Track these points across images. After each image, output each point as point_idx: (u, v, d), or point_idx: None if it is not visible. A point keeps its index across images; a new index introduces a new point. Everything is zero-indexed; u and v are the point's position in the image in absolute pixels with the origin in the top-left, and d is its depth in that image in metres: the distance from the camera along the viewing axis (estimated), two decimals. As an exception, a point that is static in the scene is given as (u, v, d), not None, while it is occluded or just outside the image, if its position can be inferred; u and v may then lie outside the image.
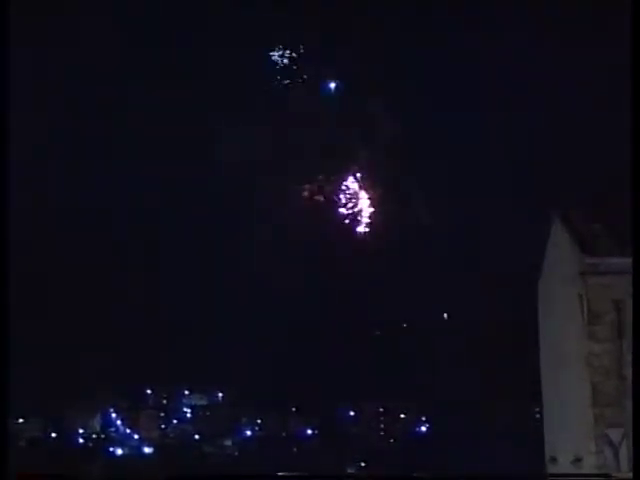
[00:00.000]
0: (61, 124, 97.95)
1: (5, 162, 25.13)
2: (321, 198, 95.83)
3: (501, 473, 55.85)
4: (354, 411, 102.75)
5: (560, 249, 41.74)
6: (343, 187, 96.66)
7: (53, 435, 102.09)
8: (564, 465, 40.90)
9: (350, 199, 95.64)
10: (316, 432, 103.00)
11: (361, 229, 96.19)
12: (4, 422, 24.33)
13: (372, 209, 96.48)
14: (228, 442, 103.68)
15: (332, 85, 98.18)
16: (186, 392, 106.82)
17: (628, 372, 35.12)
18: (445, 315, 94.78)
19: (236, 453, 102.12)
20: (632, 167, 30.93)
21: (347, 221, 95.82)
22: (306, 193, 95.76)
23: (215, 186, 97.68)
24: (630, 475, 29.83)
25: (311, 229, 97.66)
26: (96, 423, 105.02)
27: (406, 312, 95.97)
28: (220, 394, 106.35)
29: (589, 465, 37.63)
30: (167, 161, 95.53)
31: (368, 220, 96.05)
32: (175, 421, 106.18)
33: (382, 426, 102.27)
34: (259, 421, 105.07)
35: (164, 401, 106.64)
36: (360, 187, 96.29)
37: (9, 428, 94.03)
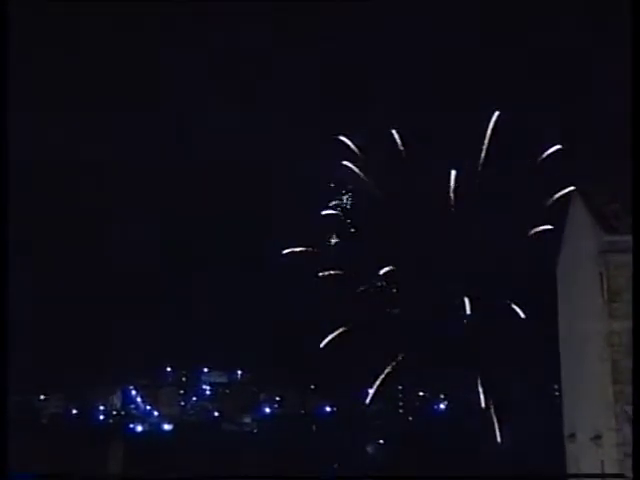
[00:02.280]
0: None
1: (5, 161, 25.29)
2: None
3: (509, 474, 56.24)
4: (372, 389, 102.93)
5: (580, 227, 41.70)
6: None
7: (74, 412, 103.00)
8: (583, 442, 41.02)
9: None
10: (335, 410, 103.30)
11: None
12: (4, 423, 24.60)
13: None
14: (247, 419, 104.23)
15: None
16: (205, 370, 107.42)
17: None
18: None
19: (255, 430, 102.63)
20: (632, 166, 30.82)
21: None
22: None
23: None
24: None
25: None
26: (116, 400, 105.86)
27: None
28: (239, 372, 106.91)
29: (608, 442, 37.72)
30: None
31: None
32: (194, 398, 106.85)
33: (400, 404, 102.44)
34: (278, 399, 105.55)
35: (184, 378, 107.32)
36: None
37: (31, 405, 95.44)
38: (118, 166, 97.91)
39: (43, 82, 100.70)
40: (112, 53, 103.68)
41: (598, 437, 38.81)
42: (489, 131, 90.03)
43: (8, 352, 24.82)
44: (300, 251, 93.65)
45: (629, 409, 36.38)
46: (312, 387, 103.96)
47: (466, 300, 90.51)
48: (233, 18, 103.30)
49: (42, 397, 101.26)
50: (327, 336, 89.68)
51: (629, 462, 35.78)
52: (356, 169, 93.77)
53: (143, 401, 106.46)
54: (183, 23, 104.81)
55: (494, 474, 58.23)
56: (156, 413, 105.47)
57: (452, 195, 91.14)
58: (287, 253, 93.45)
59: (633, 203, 31.41)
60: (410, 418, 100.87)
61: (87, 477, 55.95)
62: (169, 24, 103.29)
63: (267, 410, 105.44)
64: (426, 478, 46.01)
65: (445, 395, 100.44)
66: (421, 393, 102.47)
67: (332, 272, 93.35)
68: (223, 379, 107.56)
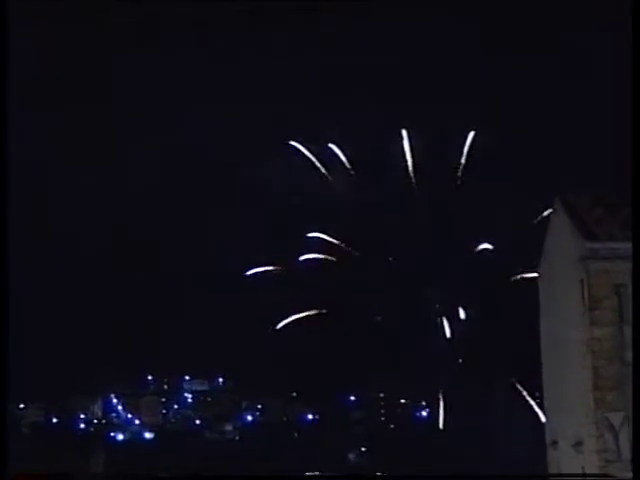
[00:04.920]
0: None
1: (5, 162, 25.10)
2: None
3: (501, 473, 56.13)
4: (355, 396, 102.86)
5: (561, 234, 41.76)
6: None
7: (54, 420, 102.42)
8: (565, 449, 41.04)
9: None
10: (317, 417, 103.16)
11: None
12: (4, 424, 24.46)
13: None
14: (229, 427, 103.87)
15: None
16: (187, 377, 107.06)
17: (629, 356, 35.25)
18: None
19: (237, 438, 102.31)
20: (632, 166, 30.94)
21: None
22: None
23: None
24: (630, 475, 30.08)
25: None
26: (97, 408, 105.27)
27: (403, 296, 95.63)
28: (221, 379, 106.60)
29: (589, 449, 37.75)
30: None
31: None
32: (176, 406, 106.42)
33: (383, 411, 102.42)
34: (260, 406, 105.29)
35: (165, 386, 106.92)
36: None
37: (10, 413, 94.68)
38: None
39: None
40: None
41: (579, 444, 38.83)
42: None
43: (8, 354, 24.59)
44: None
45: (610, 416, 36.46)
46: (294, 394, 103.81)
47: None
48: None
49: (21, 406, 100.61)
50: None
51: (610, 469, 35.87)
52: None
53: (124, 409, 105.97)
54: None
55: (493, 474, 58.01)
56: (137, 421, 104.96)
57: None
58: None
59: (633, 209, 31.45)
60: (392, 425, 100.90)
61: (86, 477, 55.66)
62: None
63: (249, 418, 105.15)
64: (426, 478, 45.80)
65: (426, 403, 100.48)
66: (403, 400, 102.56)
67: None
68: (204, 387, 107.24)
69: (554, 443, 42.95)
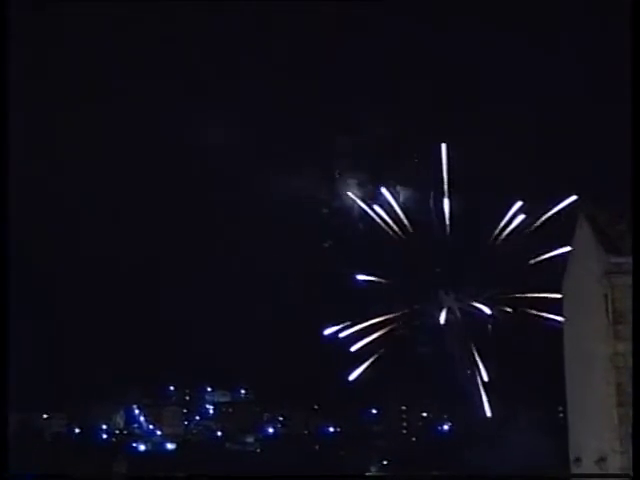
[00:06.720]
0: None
1: (5, 162, 25.35)
2: None
3: (508, 474, 55.79)
4: (376, 409, 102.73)
5: (585, 248, 41.63)
6: None
7: (77, 431, 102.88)
8: (588, 465, 40.78)
9: None
10: (338, 430, 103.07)
11: None
12: (4, 423, 24.59)
13: None
14: (250, 439, 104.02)
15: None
16: (209, 389, 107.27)
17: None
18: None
19: (258, 450, 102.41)
20: (632, 167, 30.80)
21: None
22: None
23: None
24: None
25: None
26: (119, 419, 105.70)
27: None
28: (243, 391, 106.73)
29: (613, 465, 37.51)
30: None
31: None
32: (198, 418, 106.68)
33: (404, 424, 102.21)
34: (281, 418, 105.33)
35: (187, 398, 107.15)
36: None
37: (35, 423, 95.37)
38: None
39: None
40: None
41: (603, 460, 38.61)
42: None
43: (9, 345, 24.74)
44: None
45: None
46: (315, 407, 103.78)
47: None
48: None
49: (45, 416, 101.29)
50: None
51: (634, 485, 35.63)
52: None
53: (146, 420, 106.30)
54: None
55: (494, 474, 57.84)
56: (159, 432, 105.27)
57: None
58: None
59: (633, 208, 31.22)
60: (413, 439, 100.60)
61: (87, 477, 55.88)
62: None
63: (270, 430, 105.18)
64: (426, 478, 45.67)
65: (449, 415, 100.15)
66: (424, 414, 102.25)
67: None
68: (227, 398, 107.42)
69: (577, 460, 42.70)
